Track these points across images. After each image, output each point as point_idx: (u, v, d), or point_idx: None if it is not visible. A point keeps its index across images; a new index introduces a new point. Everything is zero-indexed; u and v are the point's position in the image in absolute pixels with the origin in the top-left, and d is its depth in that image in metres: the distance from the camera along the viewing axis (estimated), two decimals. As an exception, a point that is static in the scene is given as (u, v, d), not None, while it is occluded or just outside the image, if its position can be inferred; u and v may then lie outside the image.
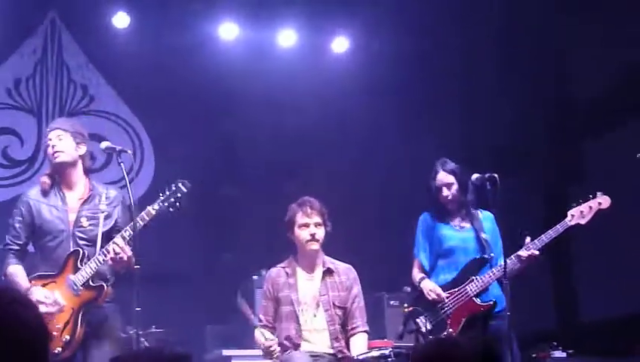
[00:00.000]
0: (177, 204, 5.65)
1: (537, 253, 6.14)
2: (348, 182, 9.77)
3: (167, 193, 5.64)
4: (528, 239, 6.18)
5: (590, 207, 6.21)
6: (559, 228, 6.18)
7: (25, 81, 9.35)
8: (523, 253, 6.12)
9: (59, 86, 9.47)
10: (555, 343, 7.78)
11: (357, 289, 6.24)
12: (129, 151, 5.73)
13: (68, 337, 5.50)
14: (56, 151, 5.69)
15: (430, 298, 6.31)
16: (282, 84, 9.58)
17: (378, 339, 7.62)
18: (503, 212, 6.26)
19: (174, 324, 7.97)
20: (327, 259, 6.28)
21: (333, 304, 6.11)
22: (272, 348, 5.81)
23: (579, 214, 6.21)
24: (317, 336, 6.07)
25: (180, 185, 5.67)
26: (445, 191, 6.44)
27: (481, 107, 9.59)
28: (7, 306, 1.97)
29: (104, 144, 5.71)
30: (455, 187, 6.45)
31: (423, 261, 6.53)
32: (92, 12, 9.23)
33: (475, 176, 6.30)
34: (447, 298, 6.28)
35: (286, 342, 6.02)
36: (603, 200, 6.23)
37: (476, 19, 9.25)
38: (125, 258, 5.51)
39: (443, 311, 6.30)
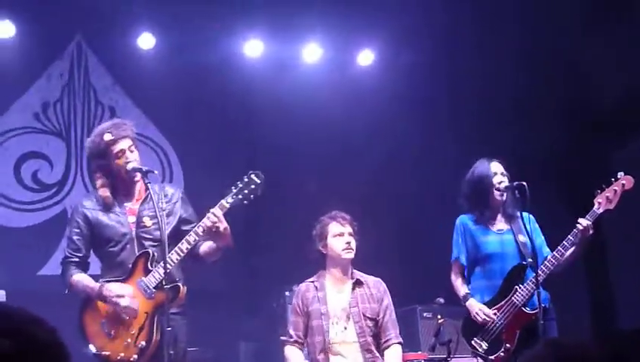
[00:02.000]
0: (251, 196, 5.55)
1: (589, 222, 6.00)
2: (375, 196, 9.73)
3: (240, 185, 5.54)
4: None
5: (615, 191, 6.08)
6: (589, 218, 6.05)
7: (52, 105, 9.39)
8: (580, 223, 5.99)
9: (86, 108, 9.51)
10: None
11: (387, 300, 6.22)
12: (155, 172, 5.62)
13: (144, 343, 5.36)
14: (129, 162, 5.55)
15: (479, 320, 6.21)
16: (308, 99, 9.57)
17: (412, 352, 7.59)
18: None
19: (208, 342, 7.94)
20: (356, 272, 6.27)
21: (364, 315, 6.08)
22: None
23: (605, 200, 6.08)
24: (348, 349, 6.03)
25: (252, 176, 5.57)
26: (499, 178, 6.30)
27: (507, 116, 9.52)
28: (22, 325, 1.96)
29: (130, 165, 5.55)
30: (505, 178, 6.34)
31: (464, 262, 6.43)
32: (117, 34, 9.27)
33: (503, 184, 6.26)
34: (496, 314, 6.18)
35: (317, 357, 5.99)
36: (626, 181, 6.10)
37: (501, 29, 9.19)
38: (222, 228, 5.43)
39: (496, 327, 6.18)
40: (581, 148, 9.21)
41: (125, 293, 5.40)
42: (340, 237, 6.17)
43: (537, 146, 9.26)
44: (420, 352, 7.68)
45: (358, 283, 6.19)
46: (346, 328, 6.06)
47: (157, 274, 5.41)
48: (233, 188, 5.55)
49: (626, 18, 8.54)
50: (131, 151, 5.62)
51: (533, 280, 6.00)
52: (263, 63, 9.67)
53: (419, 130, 9.65)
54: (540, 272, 5.95)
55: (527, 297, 6.11)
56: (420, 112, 9.71)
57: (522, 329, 6.13)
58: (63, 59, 9.46)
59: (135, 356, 5.35)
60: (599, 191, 6.12)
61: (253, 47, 9.59)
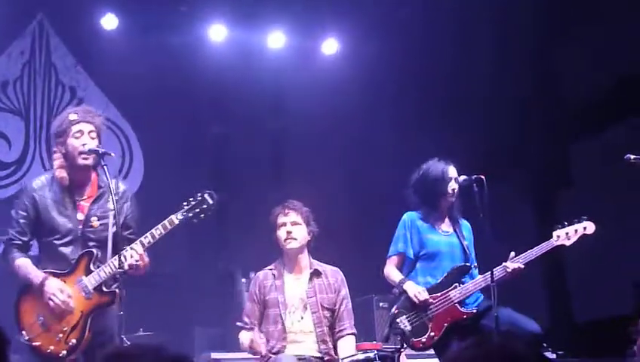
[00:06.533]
0: (202, 215, 5.50)
1: (522, 266, 6.16)
2: (337, 183, 9.76)
3: (192, 203, 5.49)
4: (512, 254, 6.20)
5: (575, 231, 6.28)
6: (544, 246, 6.26)
7: (12, 83, 9.31)
8: (509, 264, 6.14)
9: (47, 88, 9.43)
10: (545, 344, 7.73)
11: (345, 291, 6.22)
12: (112, 155, 5.50)
13: (74, 341, 5.32)
14: (85, 144, 5.45)
15: (418, 300, 6.25)
16: (272, 86, 9.56)
17: (367, 342, 7.60)
18: (491, 215, 6.22)
19: (162, 327, 7.91)
20: (314, 261, 6.26)
21: (321, 305, 6.08)
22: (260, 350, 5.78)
23: (564, 236, 6.27)
24: (304, 338, 6.01)
25: (206, 196, 5.51)
26: (453, 185, 6.37)
27: (470, 109, 9.58)
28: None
29: (86, 146, 5.44)
30: (457, 184, 6.40)
31: (411, 256, 6.44)
32: (80, 13, 9.19)
33: (462, 177, 6.29)
34: (431, 302, 6.24)
35: (272, 344, 5.98)
36: (588, 226, 6.30)
37: (468, 21, 9.23)
38: (142, 265, 5.37)
39: (426, 313, 6.24)
40: (546, 143, 9.29)
41: (64, 290, 5.36)
42: (282, 227, 6.16)
43: (502, 141, 9.33)
44: (374, 342, 7.70)
45: (316, 273, 6.18)
46: (302, 318, 6.05)
47: (97, 276, 5.38)
48: (185, 204, 5.50)
49: (594, 20, 8.62)
50: (91, 138, 5.52)
51: (475, 282, 6.21)
52: (227, 48, 9.62)
53: (384, 119, 9.67)
54: (478, 279, 6.19)
55: (463, 296, 6.23)
56: (384, 101, 9.74)
57: (451, 324, 6.22)
58: (24, 37, 9.38)
59: (64, 352, 5.32)
60: (559, 226, 6.29)
61: (217, 32, 9.54)
